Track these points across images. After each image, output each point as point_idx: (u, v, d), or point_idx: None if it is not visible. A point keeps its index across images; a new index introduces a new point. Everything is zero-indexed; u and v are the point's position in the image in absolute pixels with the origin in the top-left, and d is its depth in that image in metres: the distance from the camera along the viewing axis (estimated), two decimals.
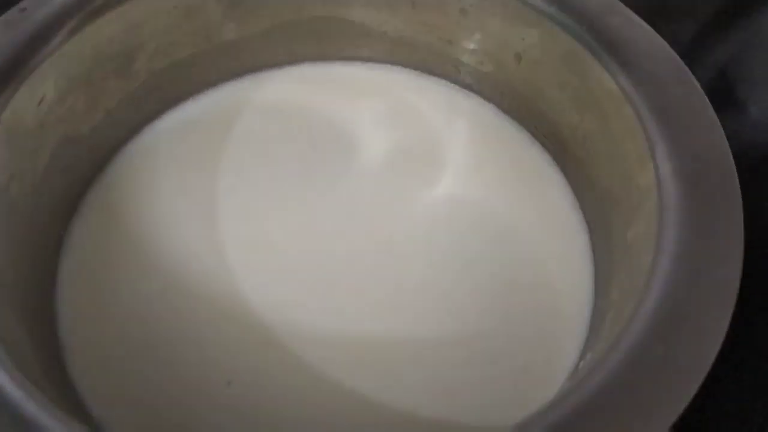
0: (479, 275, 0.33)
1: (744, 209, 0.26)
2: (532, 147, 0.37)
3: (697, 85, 0.29)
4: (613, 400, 0.22)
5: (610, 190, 0.32)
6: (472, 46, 0.37)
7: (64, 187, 0.33)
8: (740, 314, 0.24)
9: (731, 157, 0.27)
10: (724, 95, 0.47)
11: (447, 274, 0.33)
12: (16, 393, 0.22)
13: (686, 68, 0.30)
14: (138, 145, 0.37)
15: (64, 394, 0.28)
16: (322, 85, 0.40)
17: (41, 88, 0.30)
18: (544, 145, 0.37)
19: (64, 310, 0.32)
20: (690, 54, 0.48)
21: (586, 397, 0.22)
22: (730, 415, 0.33)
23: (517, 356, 0.31)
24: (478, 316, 0.32)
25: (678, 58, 0.30)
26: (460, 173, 0.37)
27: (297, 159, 0.37)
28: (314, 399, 0.30)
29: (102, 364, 0.30)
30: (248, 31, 0.38)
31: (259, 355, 0.31)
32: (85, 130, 0.34)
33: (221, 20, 0.36)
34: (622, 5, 0.32)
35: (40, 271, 0.31)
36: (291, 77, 0.40)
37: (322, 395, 0.30)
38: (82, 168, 0.35)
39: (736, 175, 0.27)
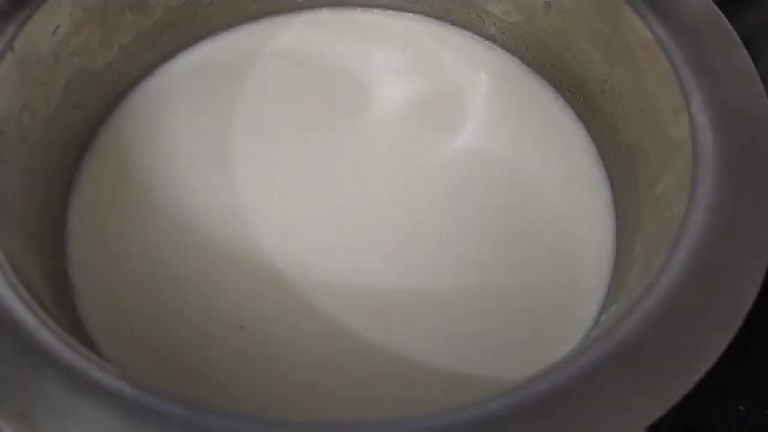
0: (497, 228, 0.33)
1: None
2: (555, 101, 0.36)
3: (735, 34, 0.28)
4: (647, 346, 0.21)
5: (639, 144, 0.31)
6: None
7: (77, 122, 0.32)
8: None
9: None
10: None
11: (464, 226, 0.33)
12: (30, 320, 0.21)
13: (723, 17, 0.28)
14: (152, 85, 0.36)
15: (75, 333, 0.27)
16: (341, 32, 0.39)
17: (56, 17, 0.29)
18: (567, 99, 0.36)
19: (74, 249, 0.31)
20: None
21: (618, 342, 0.21)
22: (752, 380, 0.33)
23: (534, 310, 0.30)
24: (495, 270, 0.31)
25: (715, 6, 0.29)
26: (480, 126, 0.36)
27: (313, 106, 0.36)
28: (326, 346, 0.29)
29: (112, 305, 0.30)
30: None
31: (273, 301, 0.30)
32: (99, 65, 0.33)
33: None
34: None
35: (52, 205, 0.31)
36: (310, 22, 0.39)
37: (334, 343, 0.29)
38: (96, 105, 0.34)
39: None
